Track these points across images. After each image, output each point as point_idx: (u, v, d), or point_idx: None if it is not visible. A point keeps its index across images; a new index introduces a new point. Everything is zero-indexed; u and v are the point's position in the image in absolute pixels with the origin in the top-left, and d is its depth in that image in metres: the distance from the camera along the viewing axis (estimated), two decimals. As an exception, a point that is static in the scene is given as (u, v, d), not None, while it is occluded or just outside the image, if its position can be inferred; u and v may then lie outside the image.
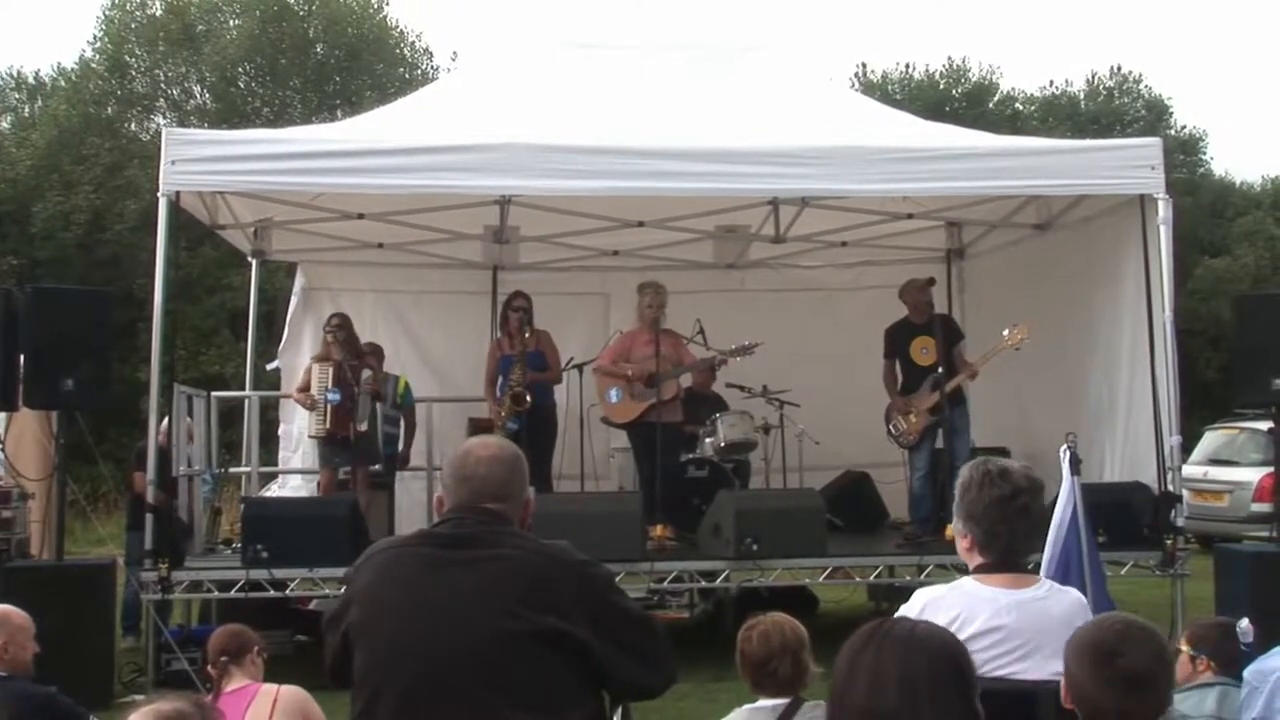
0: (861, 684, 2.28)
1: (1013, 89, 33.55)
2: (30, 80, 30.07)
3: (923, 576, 8.45)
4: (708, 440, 10.13)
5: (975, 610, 3.14)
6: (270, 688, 4.58)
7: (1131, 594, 9.65)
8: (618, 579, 8.40)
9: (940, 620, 3.10)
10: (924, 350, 9.64)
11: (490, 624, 2.78)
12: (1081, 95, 33.54)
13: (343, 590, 3.11)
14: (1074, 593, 3.40)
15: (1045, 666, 3.08)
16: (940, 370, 9.33)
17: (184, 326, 22.09)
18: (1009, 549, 3.25)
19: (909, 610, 3.23)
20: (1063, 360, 9.99)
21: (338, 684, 3.00)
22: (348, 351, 9.71)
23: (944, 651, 2.35)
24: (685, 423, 10.00)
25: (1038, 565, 4.53)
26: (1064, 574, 4.52)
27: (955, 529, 3.33)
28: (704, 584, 9.00)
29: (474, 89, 10.15)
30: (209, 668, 4.72)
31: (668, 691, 3.12)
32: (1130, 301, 9.19)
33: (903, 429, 9.71)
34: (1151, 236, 8.78)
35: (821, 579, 8.96)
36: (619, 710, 3.15)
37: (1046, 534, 3.39)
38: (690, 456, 10.00)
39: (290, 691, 4.56)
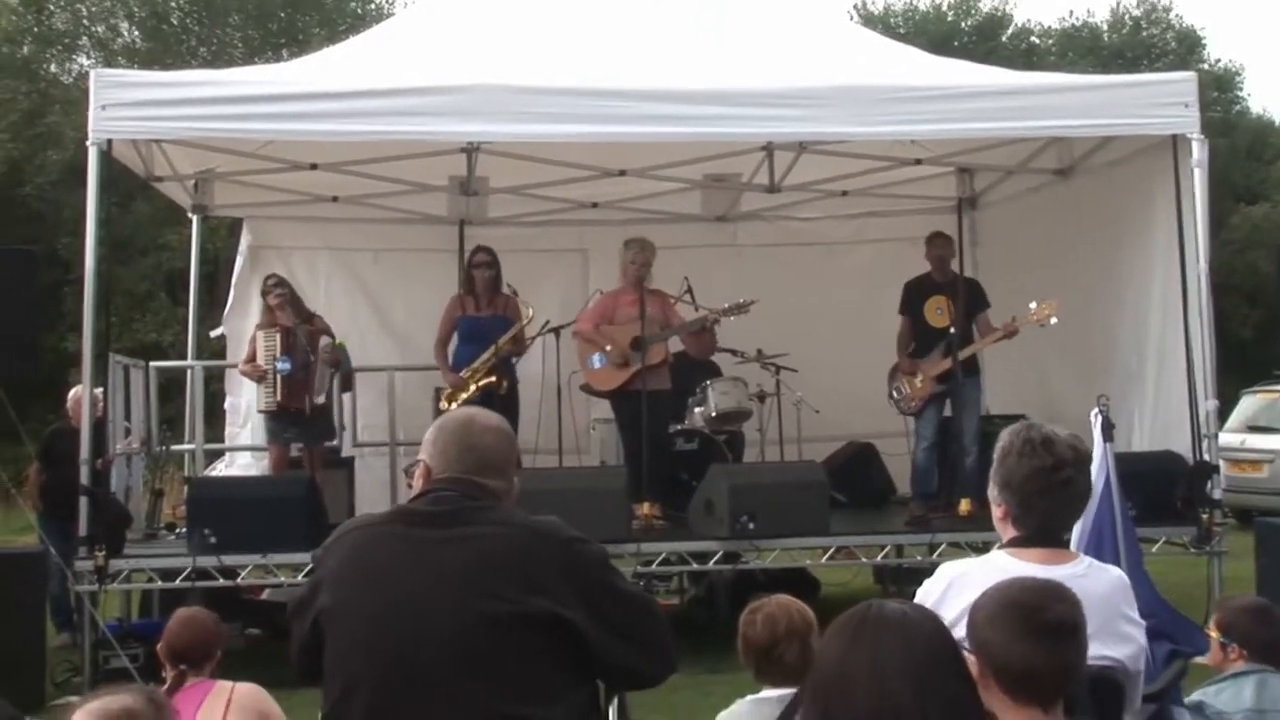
0: (859, 675, 2.31)
1: (1028, 21, 33.84)
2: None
3: (934, 556, 8.50)
4: (697, 410, 10.16)
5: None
6: (224, 685, 4.56)
7: (1164, 574, 9.65)
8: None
9: (968, 598, 3.11)
10: (938, 310, 9.66)
11: (473, 607, 2.80)
12: (1105, 26, 33.64)
13: (309, 573, 3.12)
14: (1115, 570, 3.42)
15: (1084, 649, 3.10)
16: (953, 333, 9.36)
17: (116, 290, 21.97)
18: (1046, 523, 3.27)
19: (934, 586, 3.26)
20: (1086, 319, 10.01)
21: (304, 677, 3.02)
22: (295, 315, 9.67)
23: (942, 636, 2.40)
24: (675, 391, 10.00)
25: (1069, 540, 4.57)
26: (1097, 549, 4.55)
27: (991, 496, 3.36)
28: (695, 567, 9.03)
29: (436, 25, 10.08)
30: (164, 669, 4.67)
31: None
32: (1161, 253, 9.21)
33: (905, 393, 9.74)
34: (1184, 181, 8.80)
35: (824, 560, 9.01)
36: (614, 700, 3.17)
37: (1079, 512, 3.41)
38: (679, 428, 10.03)
39: (246, 689, 4.55)
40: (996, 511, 3.35)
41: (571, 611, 2.82)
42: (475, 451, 3.04)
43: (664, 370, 9.73)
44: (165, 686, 4.49)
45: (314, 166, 10.39)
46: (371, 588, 2.88)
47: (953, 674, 2.37)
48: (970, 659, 2.58)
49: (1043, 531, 3.27)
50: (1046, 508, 3.26)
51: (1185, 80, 9.00)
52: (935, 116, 8.82)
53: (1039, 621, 2.59)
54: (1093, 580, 3.19)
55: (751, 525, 8.48)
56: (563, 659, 2.83)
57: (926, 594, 3.23)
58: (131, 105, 8.27)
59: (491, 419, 3.16)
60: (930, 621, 2.47)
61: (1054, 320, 9.13)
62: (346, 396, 11.00)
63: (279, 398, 9.46)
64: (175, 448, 11.36)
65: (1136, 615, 3.30)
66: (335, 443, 10.18)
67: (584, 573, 2.91)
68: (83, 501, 8.13)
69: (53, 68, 28.18)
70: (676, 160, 10.75)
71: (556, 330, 10.34)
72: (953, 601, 3.12)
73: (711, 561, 8.82)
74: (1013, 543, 3.29)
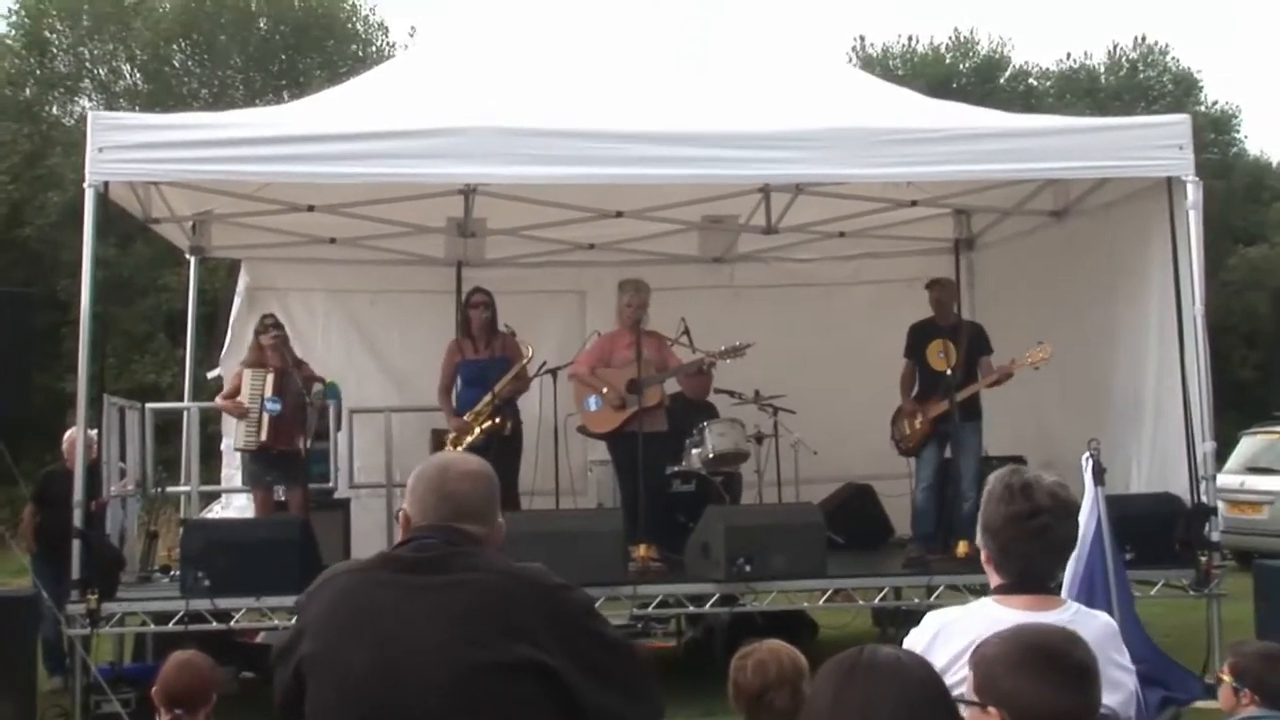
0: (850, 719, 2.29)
1: (1026, 63, 33.76)
2: (-60, 57, 29.94)
3: (932, 599, 8.47)
4: (694, 451, 10.14)
5: (991, 636, 3.15)
6: None
7: (1162, 616, 9.70)
8: (597, 604, 8.43)
9: (956, 646, 3.11)
10: (940, 354, 9.66)
11: (457, 655, 2.77)
12: (1102, 69, 33.73)
13: (294, 620, 3.09)
14: (1103, 616, 3.40)
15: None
16: (950, 374, 9.36)
17: (114, 331, 21.98)
18: (1026, 569, 3.25)
19: (920, 635, 3.23)
20: (1083, 360, 10.03)
21: (285, 720, 2.99)
22: (286, 358, 9.69)
23: (932, 680, 2.39)
24: (672, 432, 9.99)
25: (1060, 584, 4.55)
26: (1088, 593, 4.54)
27: (978, 541, 3.35)
28: (692, 609, 9.00)
29: (434, 67, 10.13)
30: (158, 714, 4.59)
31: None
32: (1157, 295, 9.24)
33: (904, 434, 9.77)
34: (1180, 223, 8.83)
35: (821, 602, 8.98)
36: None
37: (1064, 560, 3.37)
38: (676, 469, 10.01)
39: None
40: (984, 556, 3.34)
41: (555, 659, 2.79)
42: (452, 500, 3.01)
43: (660, 412, 9.72)
44: None
45: (311, 208, 10.43)
46: (354, 635, 2.86)
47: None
48: (978, 716, 2.55)
49: (1025, 578, 3.25)
50: (1024, 553, 3.24)
51: (1179, 123, 9.04)
52: (931, 158, 8.85)
53: (1066, 665, 2.55)
54: (1080, 627, 3.15)
55: (748, 568, 8.45)
56: (547, 707, 2.80)
57: (914, 642, 3.20)
58: (128, 148, 8.31)
59: (469, 465, 3.13)
60: (922, 668, 2.45)
61: (1044, 359, 9.16)
62: (341, 437, 11.00)
63: (263, 437, 9.48)
64: (171, 489, 11.34)
65: (1127, 661, 3.27)
66: (330, 484, 10.14)
67: (568, 620, 2.89)
68: (75, 544, 8.11)
69: (54, 110, 28.31)
70: (673, 202, 10.79)
71: (554, 371, 10.35)
72: (940, 650, 3.10)
73: (708, 604, 8.78)
74: (999, 589, 3.28)
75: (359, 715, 2.79)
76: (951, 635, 3.13)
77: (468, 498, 3.02)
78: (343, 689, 2.82)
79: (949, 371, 9.41)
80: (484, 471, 3.11)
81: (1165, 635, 8.83)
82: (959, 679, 2.98)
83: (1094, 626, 3.23)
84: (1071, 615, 3.22)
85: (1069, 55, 34.36)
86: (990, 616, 3.10)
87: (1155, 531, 8.50)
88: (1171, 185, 8.88)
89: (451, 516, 2.99)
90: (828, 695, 2.38)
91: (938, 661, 2.95)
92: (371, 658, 2.81)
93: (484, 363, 9.86)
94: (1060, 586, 4.38)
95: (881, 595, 9.13)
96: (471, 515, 3.01)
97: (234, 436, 10.15)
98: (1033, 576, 3.26)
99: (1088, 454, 5.38)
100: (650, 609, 8.87)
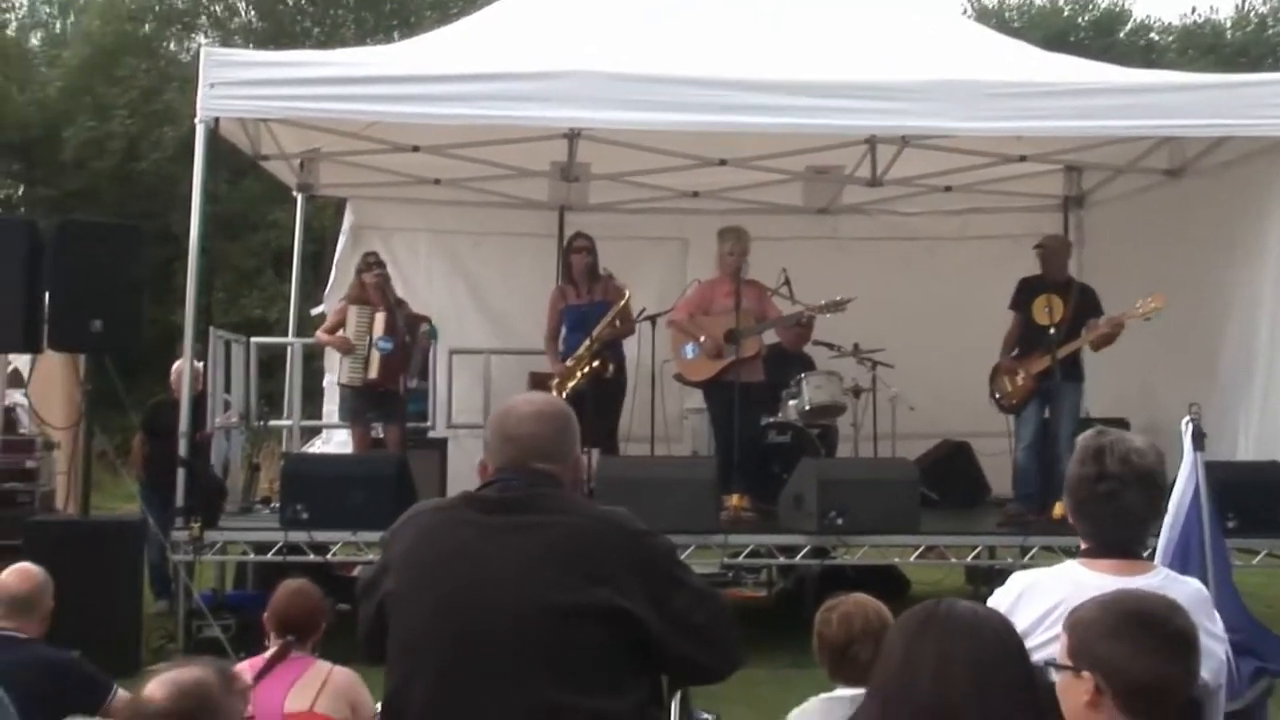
0: (924, 673, 2.28)
1: (1147, 17, 32.99)
2: (63, -8, 30.52)
3: (1026, 559, 8.38)
4: (791, 403, 10.11)
5: (1078, 599, 3.10)
6: (323, 666, 4.52)
7: (1264, 586, 9.50)
8: (689, 552, 8.49)
9: (1040, 607, 3.08)
10: (1045, 309, 9.49)
11: (538, 596, 2.80)
12: (1228, 24, 32.82)
13: (379, 555, 3.14)
14: (1194, 583, 3.34)
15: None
16: (1053, 332, 9.21)
17: (224, 266, 22.33)
18: (1098, 534, 3.21)
19: (1004, 595, 3.21)
20: (1193, 323, 9.81)
21: (371, 657, 3.04)
22: (388, 296, 9.78)
23: (1010, 636, 2.36)
24: (769, 383, 9.96)
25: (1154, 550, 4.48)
26: (1183, 560, 4.45)
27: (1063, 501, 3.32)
28: (782, 560, 9.01)
29: (541, 10, 10.12)
30: (267, 638, 4.63)
31: (739, 677, 3.12)
32: (1273, 258, 9.04)
33: (1005, 390, 9.61)
34: (1300, 185, 8.60)
35: (913, 558, 8.94)
36: (676, 695, 3.16)
37: (1147, 527, 3.29)
38: (772, 420, 9.99)
39: (342, 674, 4.49)
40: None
41: (634, 604, 2.81)
42: (516, 442, 3.02)
43: (757, 363, 9.69)
44: (268, 655, 4.49)
45: (416, 149, 10.50)
46: (437, 573, 2.89)
47: (1018, 677, 2.32)
48: (1070, 681, 2.53)
49: (1101, 541, 3.20)
50: (1092, 516, 3.20)
51: (1303, 80, 8.79)
52: (1042, 113, 8.72)
53: (1165, 633, 2.52)
54: (1169, 592, 3.10)
55: (840, 520, 8.41)
56: (626, 652, 2.82)
57: (998, 602, 3.17)
58: (239, 84, 8.42)
59: (531, 405, 3.12)
60: (1000, 623, 2.44)
61: (1156, 309, 8.90)
62: (440, 377, 11.12)
63: (371, 375, 9.57)
64: (273, 423, 11.54)
65: (1218, 629, 3.21)
66: (428, 424, 10.25)
67: (650, 565, 2.89)
68: (179, 473, 8.29)
69: (171, 45, 28.76)
70: (778, 151, 10.71)
71: (653, 318, 10.34)
72: (1024, 610, 3.07)
73: (799, 556, 8.77)
74: (1085, 553, 3.24)
75: (438, 651, 2.83)
76: (1036, 596, 3.10)
77: (533, 438, 3.03)
78: (423, 626, 2.86)
79: (1053, 329, 9.25)
80: (547, 411, 3.11)
81: (1267, 606, 8.67)
82: (1043, 640, 2.97)
83: (1184, 593, 3.17)
84: (1161, 580, 3.17)
85: (1193, 10, 33.70)
86: (1075, 579, 3.07)
87: (1259, 500, 8.30)
88: (1292, 145, 8.66)
89: (517, 458, 3.00)
90: (901, 646, 2.37)
91: (1021, 622, 2.93)
92: (451, 597, 2.84)
93: (586, 307, 9.86)
94: (1154, 553, 4.30)
95: (974, 554, 9.05)
96: (541, 455, 3.01)
97: (338, 371, 10.27)
98: (1108, 541, 3.21)
99: (1187, 418, 5.26)
100: (741, 559, 8.88)
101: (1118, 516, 3.22)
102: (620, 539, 2.91)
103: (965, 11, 30.40)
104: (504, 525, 2.90)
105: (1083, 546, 3.25)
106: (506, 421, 3.07)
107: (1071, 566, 3.23)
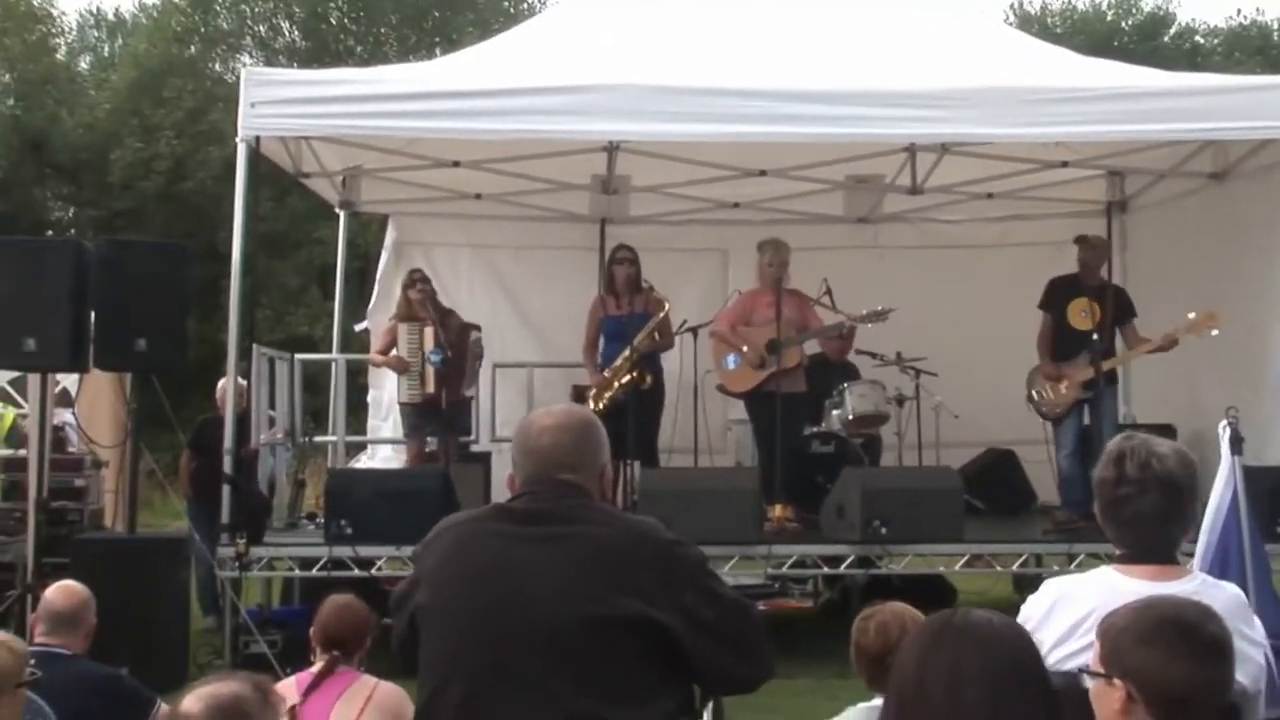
0: (937, 683, 2.27)
1: (1192, 20, 32.76)
2: (110, 17, 30.96)
3: (1073, 566, 8.32)
4: (834, 412, 10.09)
5: (1111, 605, 3.08)
6: (368, 681, 4.53)
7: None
8: (732, 563, 8.49)
9: (1076, 613, 3.06)
10: (1083, 313, 9.43)
11: (568, 608, 2.80)
12: (1275, 26, 32.52)
13: (411, 569, 3.15)
14: (1231, 588, 3.32)
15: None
16: (1096, 339, 9.14)
17: (271, 284, 22.56)
18: (1119, 538, 3.20)
19: (1039, 602, 3.19)
20: (1238, 328, 9.69)
21: (407, 668, 3.06)
22: (435, 310, 9.84)
23: (1026, 648, 2.34)
24: (812, 392, 9.94)
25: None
26: (1222, 566, 4.41)
27: None
28: (827, 570, 8.97)
29: (582, 24, 10.18)
30: (313, 653, 4.65)
31: (783, 688, 3.13)
32: (1320, 262, 8.92)
33: (1048, 399, 9.52)
34: (1347, 188, 8.51)
35: (958, 567, 8.88)
36: (709, 705, 3.16)
37: (1172, 532, 3.26)
38: (815, 430, 9.97)
39: (388, 690, 4.50)
40: None
41: (665, 614, 2.80)
42: (535, 455, 3.03)
43: (799, 373, 9.69)
44: (315, 671, 4.51)
45: (457, 164, 10.53)
46: (468, 585, 2.90)
47: (1032, 689, 2.31)
48: (1103, 689, 2.51)
49: (1130, 546, 3.18)
50: (1112, 520, 3.18)
51: (1347, 82, 8.70)
52: (1082, 118, 8.65)
53: (1199, 640, 2.49)
54: (1206, 597, 3.08)
55: (884, 530, 8.39)
56: (656, 661, 2.82)
57: (1032, 609, 3.16)
58: (279, 103, 8.49)
59: (550, 418, 3.11)
60: (1014, 633, 2.41)
61: (1215, 332, 8.85)
62: (484, 390, 11.16)
63: (428, 389, 9.63)
64: (318, 439, 11.62)
65: (1256, 634, 3.18)
66: (471, 437, 10.30)
67: (680, 576, 2.89)
68: (225, 490, 8.36)
69: (217, 66, 29.03)
70: (818, 161, 10.67)
71: (695, 330, 10.34)
72: (1059, 617, 3.05)
73: (843, 566, 8.74)
74: (1120, 559, 3.22)
75: (470, 663, 2.84)
76: (1071, 602, 3.08)
77: (554, 449, 3.02)
78: (454, 638, 2.88)
79: (1095, 335, 9.19)
80: (566, 421, 3.09)
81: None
82: (1079, 647, 2.95)
83: (1220, 598, 3.15)
84: (1196, 586, 3.15)
85: (1239, 12, 33.32)
86: (1110, 585, 3.05)
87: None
88: (1338, 148, 8.57)
89: (543, 471, 3.00)
90: (915, 656, 2.36)
91: (1055, 630, 2.92)
92: (483, 607, 2.86)
93: (625, 318, 9.86)
94: (1191, 558, 4.26)
95: (1020, 561, 8.99)
96: (563, 465, 3.01)
97: (397, 391, 10.34)
98: (1136, 546, 3.18)
99: (1225, 422, 5.22)
100: (785, 569, 8.87)
101: (1134, 521, 3.19)
102: (650, 549, 2.91)
103: (1007, 19, 30.29)
104: (534, 536, 2.91)
105: (1117, 552, 3.23)
106: (528, 435, 3.08)
107: (1106, 572, 3.21)
